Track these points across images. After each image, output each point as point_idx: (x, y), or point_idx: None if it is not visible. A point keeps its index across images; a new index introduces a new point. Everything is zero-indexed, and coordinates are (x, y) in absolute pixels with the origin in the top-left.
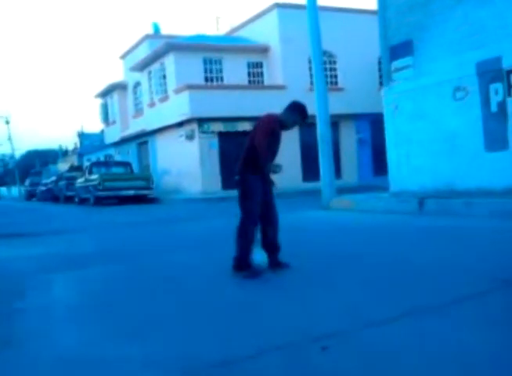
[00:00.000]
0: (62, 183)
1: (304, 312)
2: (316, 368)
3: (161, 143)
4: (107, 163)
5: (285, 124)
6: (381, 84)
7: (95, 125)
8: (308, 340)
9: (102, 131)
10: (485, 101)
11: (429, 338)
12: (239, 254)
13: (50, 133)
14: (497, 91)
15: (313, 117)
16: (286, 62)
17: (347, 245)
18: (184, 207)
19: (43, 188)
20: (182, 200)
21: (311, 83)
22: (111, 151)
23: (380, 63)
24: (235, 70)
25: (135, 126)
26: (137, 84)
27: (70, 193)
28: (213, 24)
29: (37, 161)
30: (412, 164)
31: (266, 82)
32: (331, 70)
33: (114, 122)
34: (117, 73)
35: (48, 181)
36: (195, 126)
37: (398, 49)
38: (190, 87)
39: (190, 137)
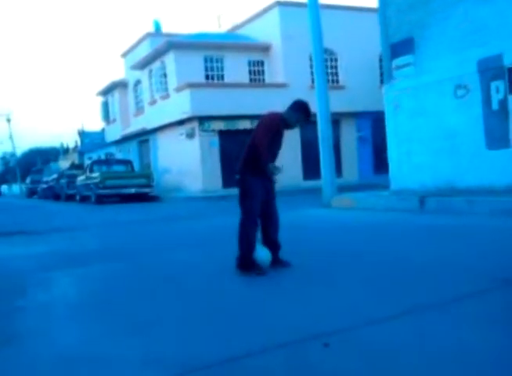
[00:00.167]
0: (63, 181)
1: (305, 310)
2: (318, 365)
3: (162, 142)
4: (108, 161)
5: (288, 123)
6: (382, 82)
7: (95, 123)
8: (309, 337)
9: (103, 130)
10: (486, 99)
11: (429, 336)
12: (241, 253)
13: (51, 131)
14: (498, 89)
15: (314, 115)
16: (287, 60)
17: (348, 243)
18: (185, 206)
19: (44, 186)
20: (182, 198)
21: (313, 81)
22: (112, 149)
23: (381, 60)
24: (236, 68)
25: (136, 124)
26: (138, 83)
27: (71, 191)
28: (214, 22)
29: (39, 159)
30: (412, 162)
31: (267, 80)
32: (332, 67)
33: (115, 120)
34: (118, 71)
35: (50, 179)
36: (196, 124)
37: (398, 47)
38: (191, 85)
39: (191, 135)
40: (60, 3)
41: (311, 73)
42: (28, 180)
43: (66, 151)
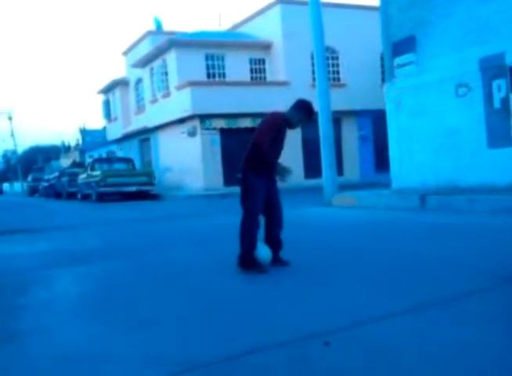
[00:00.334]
0: (64, 179)
1: (305, 309)
2: (318, 363)
3: (163, 140)
4: (109, 159)
5: (291, 123)
6: (383, 80)
7: (97, 122)
8: (310, 336)
9: (105, 128)
10: (488, 97)
11: (430, 334)
12: (242, 251)
13: (52, 129)
14: (500, 87)
15: (315, 113)
16: (288, 58)
17: (349, 242)
18: (186, 204)
19: (45, 184)
20: (183, 196)
21: (314, 79)
22: (113, 147)
23: (382, 59)
24: (237, 66)
25: (137, 122)
26: (139, 81)
27: (72, 189)
28: (215, 20)
29: (40, 157)
30: (414, 160)
31: (268, 78)
32: (333, 66)
33: (116, 118)
34: (119, 69)
35: (51, 177)
36: (197, 123)
37: (400, 45)
38: (192, 83)
39: (192, 133)
40: (62, 1)
41: (313, 71)
42: (29, 178)
43: (67, 149)
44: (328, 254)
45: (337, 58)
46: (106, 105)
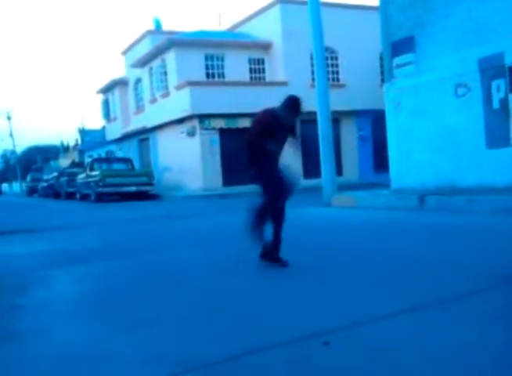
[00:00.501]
0: (63, 179)
1: (305, 308)
2: (318, 363)
3: (162, 140)
4: (108, 159)
5: (281, 118)
6: (383, 80)
7: (96, 122)
8: (310, 336)
9: (104, 128)
10: (487, 98)
11: (430, 334)
12: (264, 241)
13: (51, 129)
14: (499, 87)
15: (314, 113)
16: (288, 58)
17: (348, 242)
18: (185, 204)
19: (44, 184)
20: (183, 196)
21: (313, 79)
22: (112, 147)
23: (381, 59)
24: (236, 66)
25: (136, 122)
26: (138, 81)
27: (71, 189)
28: (215, 20)
29: (39, 157)
30: (413, 160)
31: (268, 78)
32: (333, 66)
33: (115, 118)
34: (119, 69)
35: (50, 177)
36: (196, 122)
37: (399, 45)
38: (191, 83)
39: (191, 133)
40: (61, 1)
41: (312, 71)
42: (28, 178)
43: (66, 149)
44: (327, 254)
45: (336, 58)
46: (105, 105)
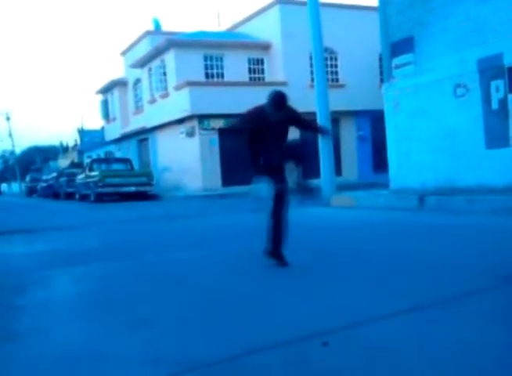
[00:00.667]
0: (62, 180)
1: (304, 308)
2: (317, 364)
3: (162, 140)
4: (108, 159)
5: (269, 115)
6: (382, 80)
7: (95, 122)
8: (309, 336)
9: (103, 128)
10: (486, 98)
11: (430, 334)
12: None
13: (51, 129)
14: (498, 88)
15: (313, 113)
16: (287, 58)
17: (348, 242)
18: (184, 204)
19: (43, 184)
20: (182, 196)
21: (312, 79)
22: (111, 148)
23: (380, 59)
24: (236, 66)
25: (136, 123)
26: (137, 81)
27: (70, 190)
28: (214, 20)
29: (38, 157)
30: (412, 161)
31: (267, 79)
32: (332, 66)
33: (115, 119)
34: (118, 69)
35: (49, 177)
36: (195, 123)
37: (398, 46)
38: (190, 83)
39: (191, 134)
40: (60, 1)
41: (311, 71)
42: (28, 179)
43: (65, 150)
44: (327, 254)
45: (335, 58)
46: (105, 105)
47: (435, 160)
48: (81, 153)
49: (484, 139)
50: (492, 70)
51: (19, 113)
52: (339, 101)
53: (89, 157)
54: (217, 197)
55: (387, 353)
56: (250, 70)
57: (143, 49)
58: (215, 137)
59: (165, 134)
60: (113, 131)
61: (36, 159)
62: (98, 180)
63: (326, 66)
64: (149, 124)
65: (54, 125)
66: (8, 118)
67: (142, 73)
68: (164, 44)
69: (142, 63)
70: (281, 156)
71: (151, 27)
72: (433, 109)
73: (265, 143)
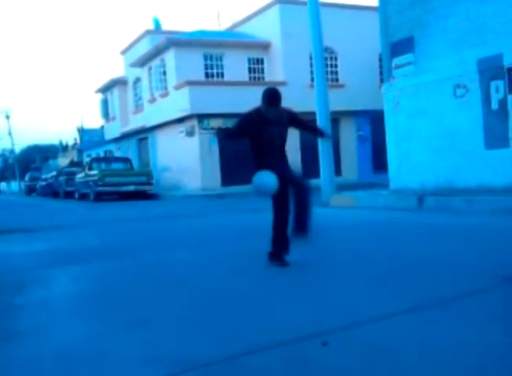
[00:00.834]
0: (62, 178)
1: (304, 308)
2: (316, 364)
3: (161, 139)
4: (107, 158)
5: (266, 113)
6: (382, 81)
7: (95, 121)
8: (308, 336)
9: (102, 127)
10: (486, 98)
11: (430, 334)
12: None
13: (50, 128)
14: (498, 88)
15: (313, 113)
16: (287, 58)
17: (348, 242)
18: (183, 204)
19: (43, 183)
20: (181, 196)
21: (312, 79)
22: (111, 147)
23: (380, 59)
24: (236, 66)
25: (135, 122)
26: (137, 80)
27: (70, 189)
28: (214, 20)
29: (38, 156)
30: (412, 161)
31: (267, 78)
32: (332, 66)
33: (114, 118)
34: (118, 68)
35: (48, 176)
36: (195, 122)
37: (398, 46)
38: (190, 83)
39: (190, 133)
40: (60, 1)
41: (311, 71)
42: (27, 177)
43: (65, 148)
44: (327, 254)
45: (335, 58)
46: (104, 104)
47: (435, 160)
48: (80, 152)
49: (484, 140)
50: (491, 70)
51: (19, 112)
52: (339, 101)
53: (89, 156)
54: (216, 197)
55: (387, 353)
56: (249, 70)
57: (143, 48)
58: (214, 137)
59: (165, 133)
60: (113, 131)
61: (35, 158)
62: (97, 179)
63: (326, 66)
64: (149, 124)
65: (54, 124)
66: (7, 117)
67: (141, 72)
68: (163, 43)
69: (142, 62)
70: (283, 162)
71: (151, 27)
72: (433, 109)
73: (265, 146)
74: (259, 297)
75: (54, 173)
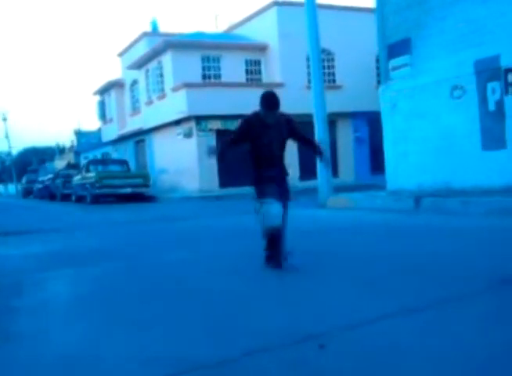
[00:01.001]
0: (59, 181)
1: (300, 311)
2: (314, 366)
3: (159, 141)
4: (104, 161)
5: (265, 117)
6: (379, 82)
7: (92, 123)
8: (305, 338)
9: (100, 129)
10: (483, 100)
11: (426, 335)
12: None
13: (47, 131)
14: (495, 89)
15: (310, 115)
16: (284, 59)
17: (344, 243)
18: (181, 206)
19: (40, 185)
20: (179, 198)
21: (309, 81)
22: (108, 149)
23: (377, 61)
24: (233, 67)
25: (133, 124)
26: (134, 82)
27: (66, 191)
28: (211, 22)
29: (34, 159)
30: (409, 162)
31: (264, 80)
32: (329, 67)
33: (111, 120)
34: (115, 70)
35: (45, 178)
36: (192, 124)
37: (395, 47)
38: (187, 85)
39: (188, 135)
40: (57, 2)
41: (308, 73)
42: (24, 180)
43: (62, 151)
44: (324, 256)
45: (332, 60)
46: (102, 106)
47: (432, 161)
48: (77, 154)
49: (481, 141)
50: (488, 71)
51: (16, 115)
52: (336, 102)
53: (86, 158)
54: (214, 199)
55: (385, 355)
56: (247, 72)
57: (140, 51)
58: (212, 138)
59: (162, 135)
60: (110, 133)
61: (32, 160)
62: (94, 181)
63: (323, 67)
64: (146, 126)
65: (51, 126)
66: (4, 119)
67: (139, 74)
68: (161, 45)
69: (139, 64)
70: (280, 168)
71: (148, 28)
72: (430, 110)
73: (263, 151)
74: (256, 299)
75: (51, 175)
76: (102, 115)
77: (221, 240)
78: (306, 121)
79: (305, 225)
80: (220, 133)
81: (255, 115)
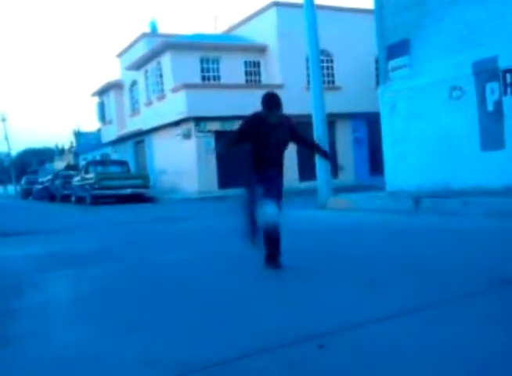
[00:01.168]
0: (58, 182)
1: (300, 311)
2: (313, 366)
3: (158, 142)
4: (104, 162)
5: (267, 117)
6: (378, 83)
7: (91, 124)
8: (304, 338)
9: (99, 130)
10: (481, 100)
11: (426, 335)
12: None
13: (47, 132)
14: (493, 90)
15: (309, 116)
16: (283, 61)
17: (344, 244)
18: (180, 207)
19: (39, 186)
20: (178, 199)
21: (309, 82)
22: (108, 150)
23: (376, 62)
24: (232, 69)
25: (132, 125)
26: (134, 83)
27: (66, 192)
28: (211, 23)
29: (34, 160)
30: (408, 163)
31: (263, 81)
32: (328, 68)
33: (111, 121)
34: (114, 71)
35: (45, 179)
36: (192, 125)
37: (394, 48)
38: (187, 86)
39: (187, 136)
40: (56, 3)
41: (308, 74)
42: (23, 181)
43: (61, 152)
44: (323, 257)
45: (331, 61)
46: (101, 107)
47: (431, 162)
48: (76, 155)
49: (480, 141)
50: (487, 72)
51: (15, 116)
52: (335, 103)
53: (85, 159)
54: (213, 200)
55: (384, 355)
56: (246, 73)
57: (139, 51)
58: (212, 139)
59: (162, 136)
60: (110, 134)
61: (32, 161)
62: (94, 182)
63: (322, 68)
64: (146, 127)
65: (50, 127)
66: (4, 120)
67: (138, 75)
68: (160, 46)
69: (139, 65)
70: (280, 168)
71: (147, 29)
72: (429, 111)
73: (266, 151)
74: (256, 299)
75: (50, 176)
76: (102, 116)
77: (220, 240)
78: (305, 122)
79: (305, 226)
80: (219, 134)
81: (256, 115)
